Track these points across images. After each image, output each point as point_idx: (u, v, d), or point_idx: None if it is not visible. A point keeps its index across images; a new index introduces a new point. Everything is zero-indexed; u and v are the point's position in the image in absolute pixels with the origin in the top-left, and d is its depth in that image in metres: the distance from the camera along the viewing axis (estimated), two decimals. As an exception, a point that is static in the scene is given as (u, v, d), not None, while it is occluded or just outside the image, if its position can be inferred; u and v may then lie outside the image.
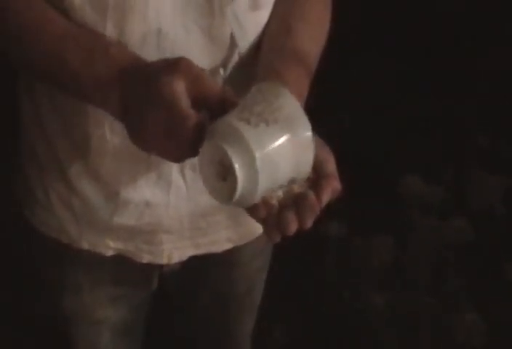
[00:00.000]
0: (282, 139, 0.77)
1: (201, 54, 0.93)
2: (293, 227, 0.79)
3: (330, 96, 2.29)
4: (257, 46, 0.97)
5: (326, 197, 0.81)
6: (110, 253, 1.09)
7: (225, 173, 0.77)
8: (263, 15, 0.97)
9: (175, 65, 0.80)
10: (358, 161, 2.26)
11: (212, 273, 1.19)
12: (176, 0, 0.90)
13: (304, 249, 2.07)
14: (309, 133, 0.78)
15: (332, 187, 0.82)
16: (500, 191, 2.30)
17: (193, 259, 1.12)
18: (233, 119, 0.77)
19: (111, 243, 1.08)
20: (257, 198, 0.78)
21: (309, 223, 0.79)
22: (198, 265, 1.15)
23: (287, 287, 1.99)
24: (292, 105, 0.78)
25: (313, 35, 0.98)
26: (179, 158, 0.82)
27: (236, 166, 0.75)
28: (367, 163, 2.33)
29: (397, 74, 2.60)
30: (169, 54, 0.89)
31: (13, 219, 1.13)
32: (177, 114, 0.78)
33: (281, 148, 0.77)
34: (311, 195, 0.80)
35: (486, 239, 2.17)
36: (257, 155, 0.75)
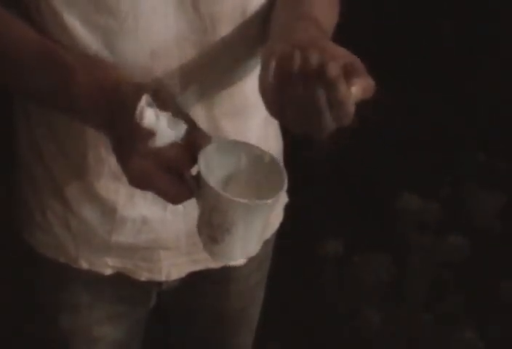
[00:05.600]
0: (251, 227, 0.82)
1: (193, 68, 0.94)
2: None
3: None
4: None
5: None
6: (108, 272, 1.09)
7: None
8: (250, 23, 0.96)
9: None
10: (355, 179, 2.26)
11: (209, 289, 1.19)
12: (168, 19, 0.90)
13: (301, 267, 2.06)
14: (264, 201, 0.80)
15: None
16: (497, 208, 2.30)
17: (191, 275, 1.12)
18: (207, 242, 0.85)
19: (110, 262, 1.08)
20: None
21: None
22: (196, 281, 1.15)
23: (284, 305, 1.98)
24: (233, 204, 0.80)
25: (327, 15, 0.94)
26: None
27: None
28: (364, 181, 2.33)
29: (393, 90, 2.60)
30: (161, 71, 0.91)
31: (11, 241, 1.13)
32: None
33: (254, 227, 0.83)
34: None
35: (483, 256, 2.16)
36: (242, 256, 0.87)
